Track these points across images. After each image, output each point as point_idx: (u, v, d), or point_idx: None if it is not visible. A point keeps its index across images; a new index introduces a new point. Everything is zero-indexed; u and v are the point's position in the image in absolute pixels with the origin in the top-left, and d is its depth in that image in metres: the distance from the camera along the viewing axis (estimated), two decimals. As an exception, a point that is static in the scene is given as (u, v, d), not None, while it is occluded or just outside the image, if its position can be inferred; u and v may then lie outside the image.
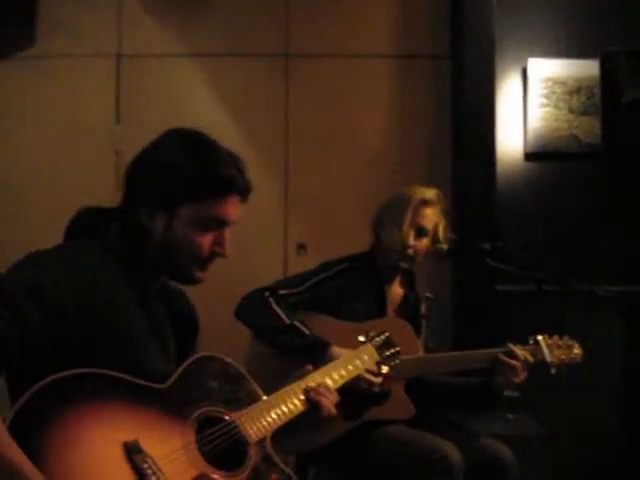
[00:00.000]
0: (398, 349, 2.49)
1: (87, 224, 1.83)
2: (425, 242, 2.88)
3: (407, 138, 4.55)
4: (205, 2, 4.53)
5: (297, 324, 2.66)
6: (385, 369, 2.44)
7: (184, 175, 1.77)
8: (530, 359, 2.77)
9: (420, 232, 2.87)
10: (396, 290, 2.98)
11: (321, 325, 2.72)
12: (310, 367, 2.11)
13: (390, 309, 2.94)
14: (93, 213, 1.86)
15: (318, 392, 2.02)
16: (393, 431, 2.70)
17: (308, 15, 4.54)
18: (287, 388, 2.00)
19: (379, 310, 2.88)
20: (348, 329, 2.72)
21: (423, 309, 3.02)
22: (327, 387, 2.07)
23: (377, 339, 2.45)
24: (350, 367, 2.26)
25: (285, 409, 1.94)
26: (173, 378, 1.77)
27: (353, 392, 2.37)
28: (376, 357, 2.41)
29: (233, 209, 1.83)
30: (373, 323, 2.76)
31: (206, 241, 1.82)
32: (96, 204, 1.89)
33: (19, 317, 1.50)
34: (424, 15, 4.58)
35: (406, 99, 4.57)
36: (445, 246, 2.87)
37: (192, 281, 1.87)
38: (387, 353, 2.46)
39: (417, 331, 2.92)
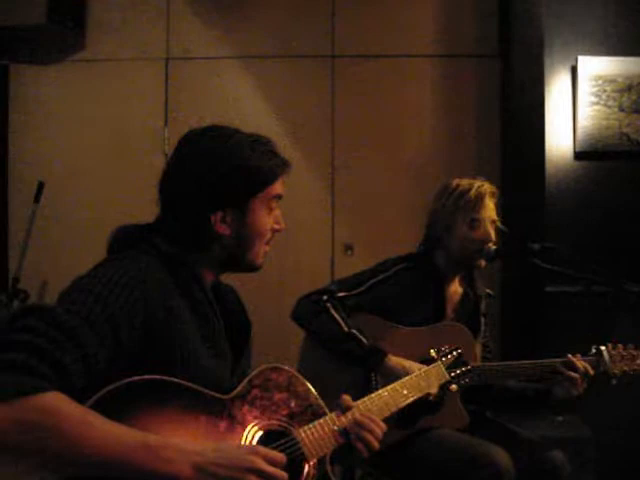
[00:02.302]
0: (469, 367, 2.46)
1: (131, 238, 1.80)
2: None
3: (454, 138, 4.53)
4: (251, 4, 4.56)
5: (355, 332, 2.61)
6: (454, 388, 2.42)
7: (248, 173, 1.79)
8: (590, 371, 2.68)
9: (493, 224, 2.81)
10: (455, 289, 2.90)
11: (378, 330, 2.68)
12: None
13: (449, 308, 2.86)
14: (134, 228, 1.83)
15: (364, 428, 1.88)
16: (442, 435, 2.65)
17: (353, 16, 4.55)
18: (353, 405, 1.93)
19: (438, 310, 2.81)
20: (406, 335, 2.69)
21: (483, 307, 2.94)
22: (376, 422, 1.91)
23: (449, 356, 2.40)
24: (412, 389, 2.17)
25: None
26: (238, 388, 1.74)
27: None
28: (446, 377, 2.36)
29: (282, 185, 1.88)
30: (430, 329, 2.72)
31: (271, 222, 1.87)
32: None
33: (81, 348, 1.50)
34: (470, 14, 4.56)
35: (453, 99, 4.55)
36: (494, 246, 2.82)
37: (257, 268, 1.90)
38: (458, 372, 2.44)
39: (476, 329, 2.86)
